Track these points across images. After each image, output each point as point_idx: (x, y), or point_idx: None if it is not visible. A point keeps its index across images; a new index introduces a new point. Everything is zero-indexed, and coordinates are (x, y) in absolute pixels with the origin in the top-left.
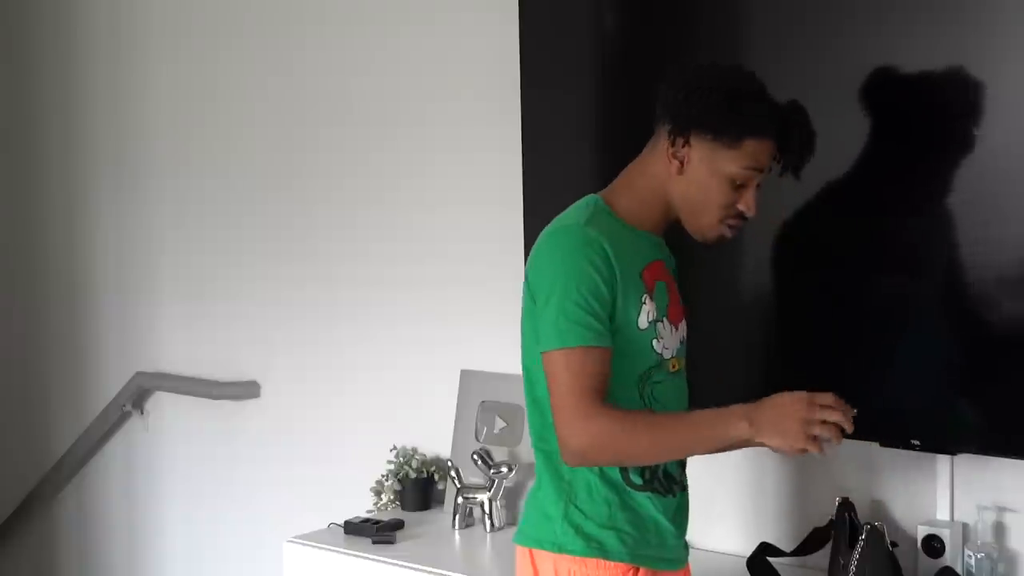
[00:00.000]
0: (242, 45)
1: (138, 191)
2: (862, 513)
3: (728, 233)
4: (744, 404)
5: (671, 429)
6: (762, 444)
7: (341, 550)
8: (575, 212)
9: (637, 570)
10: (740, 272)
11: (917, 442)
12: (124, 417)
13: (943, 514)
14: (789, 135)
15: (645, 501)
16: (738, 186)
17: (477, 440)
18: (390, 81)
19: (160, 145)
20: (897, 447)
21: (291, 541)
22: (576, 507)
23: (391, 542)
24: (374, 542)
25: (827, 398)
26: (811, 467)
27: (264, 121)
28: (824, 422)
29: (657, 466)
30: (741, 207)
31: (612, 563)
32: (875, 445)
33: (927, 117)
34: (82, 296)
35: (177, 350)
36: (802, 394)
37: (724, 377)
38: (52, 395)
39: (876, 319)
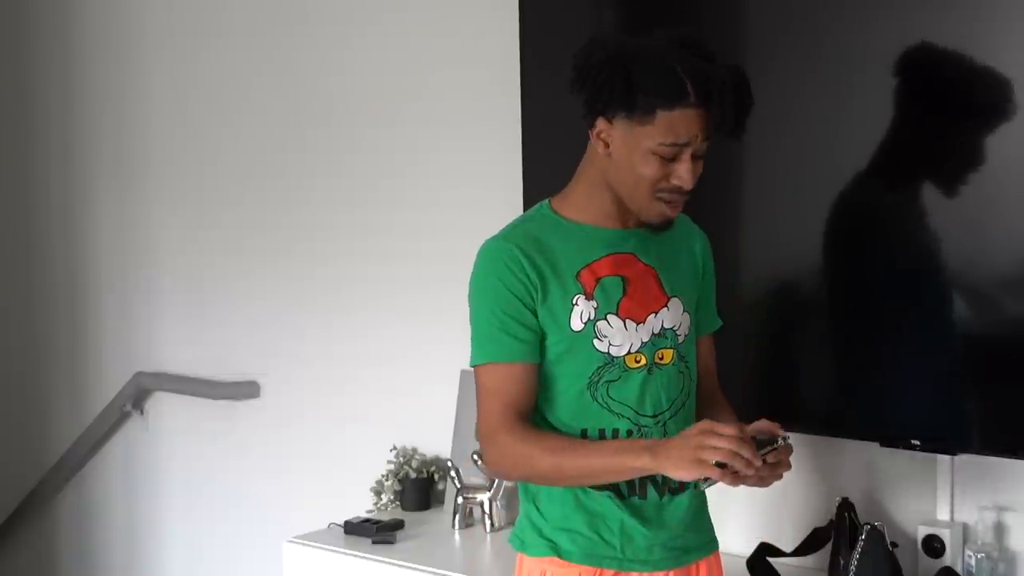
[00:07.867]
0: (246, 45)
1: (138, 191)
2: (862, 513)
3: (667, 210)
4: (655, 439)
5: (574, 456)
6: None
7: (341, 550)
8: (511, 223)
9: (599, 572)
10: (740, 272)
11: (917, 442)
12: (124, 417)
13: (943, 514)
14: (711, 100)
15: (605, 501)
16: (669, 160)
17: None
18: (395, 80)
19: (160, 145)
20: (897, 447)
21: (291, 541)
22: (536, 508)
23: (391, 542)
24: (374, 542)
25: (726, 429)
26: (811, 467)
27: (264, 120)
28: (717, 449)
29: None
30: (675, 181)
31: (567, 563)
32: (875, 445)
33: (932, 114)
34: (82, 296)
35: (177, 350)
36: (704, 423)
37: (724, 377)
38: (52, 395)
39: (876, 319)
